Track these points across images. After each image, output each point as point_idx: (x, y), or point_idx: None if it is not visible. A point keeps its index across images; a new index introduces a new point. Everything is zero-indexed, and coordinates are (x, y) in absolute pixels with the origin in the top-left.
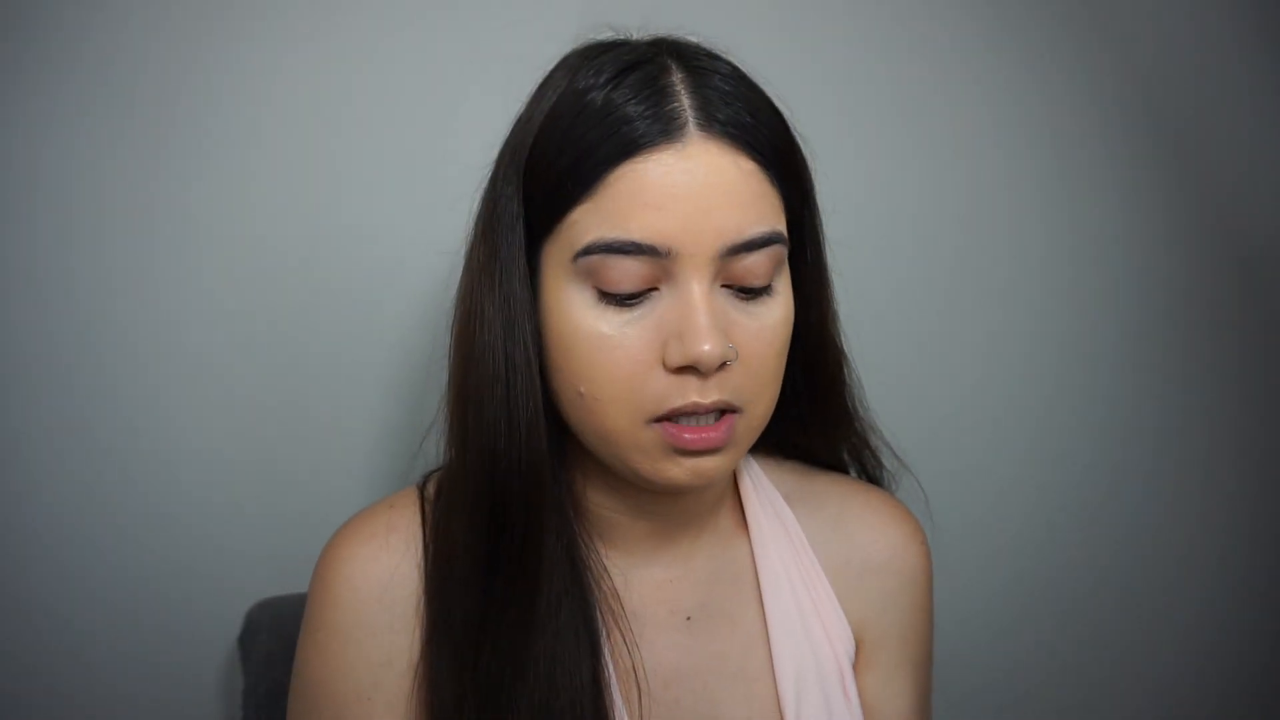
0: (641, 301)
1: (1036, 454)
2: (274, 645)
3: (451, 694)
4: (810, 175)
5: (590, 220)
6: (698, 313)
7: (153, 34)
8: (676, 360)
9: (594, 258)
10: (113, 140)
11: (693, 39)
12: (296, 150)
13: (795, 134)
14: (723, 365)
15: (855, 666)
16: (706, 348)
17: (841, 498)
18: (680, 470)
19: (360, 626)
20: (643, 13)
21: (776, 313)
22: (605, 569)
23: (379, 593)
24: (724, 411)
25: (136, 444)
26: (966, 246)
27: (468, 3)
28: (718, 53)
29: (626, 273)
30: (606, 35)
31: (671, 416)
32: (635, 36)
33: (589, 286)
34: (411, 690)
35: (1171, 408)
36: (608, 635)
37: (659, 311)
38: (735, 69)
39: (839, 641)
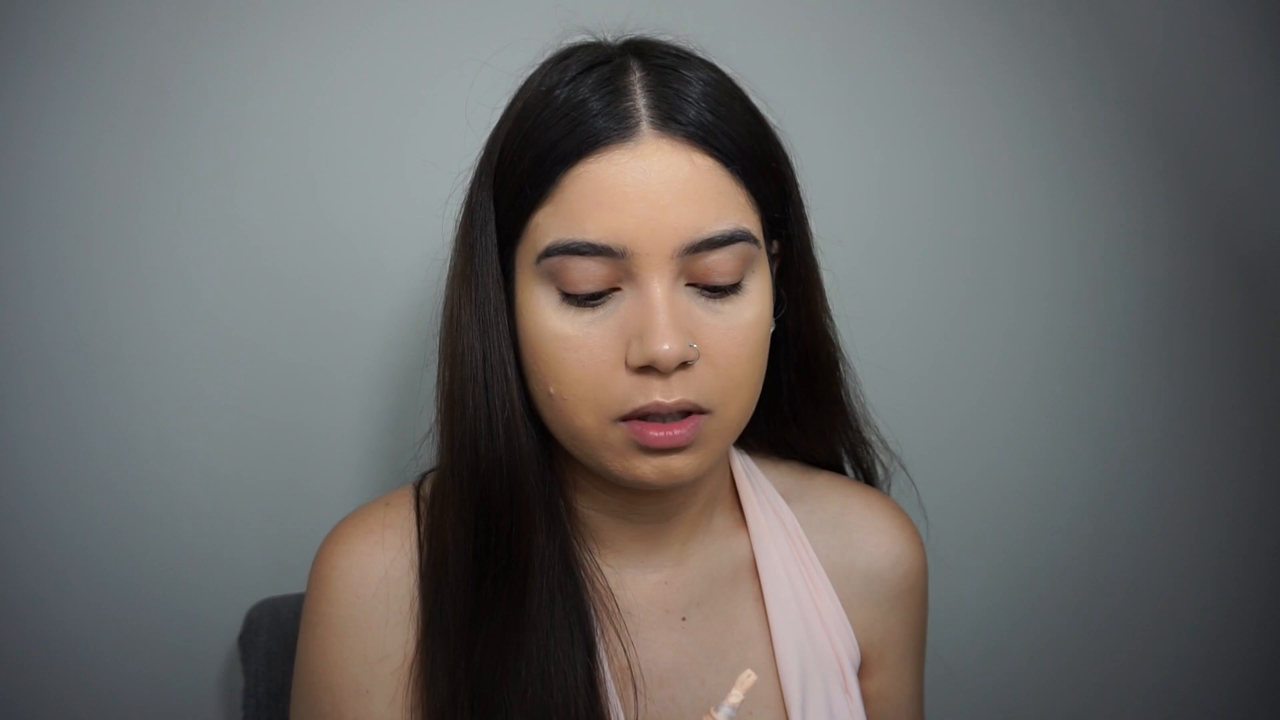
0: (604, 301)
1: (1038, 455)
2: (274, 645)
3: (446, 691)
4: (793, 172)
5: (550, 223)
6: (657, 312)
7: (139, 38)
8: (636, 360)
9: (554, 259)
10: (101, 146)
11: (667, 39)
12: (285, 156)
13: (773, 131)
14: (684, 365)
15: (862, 672)
16: (665, 347)
17: (842, 498)
18: (649, 468)
19: (356, 621)
20: (624, 13)
21: (748, 312)
22: (599, 567)
23: (374, 588)
24: (690, 412)
25: (136, 446)
26: (970, 247)
27: (452, 8)
28: (690, 52)
29: (586, 273)
30: (582, 39)
31: (636, 416)
32: (610, 39)
33: (553, 288)
34: (408, 686)
35: (1175, 409)
36: (602, 633)
37: (621, 311)
38: (705, 67)
39: (840, 640)
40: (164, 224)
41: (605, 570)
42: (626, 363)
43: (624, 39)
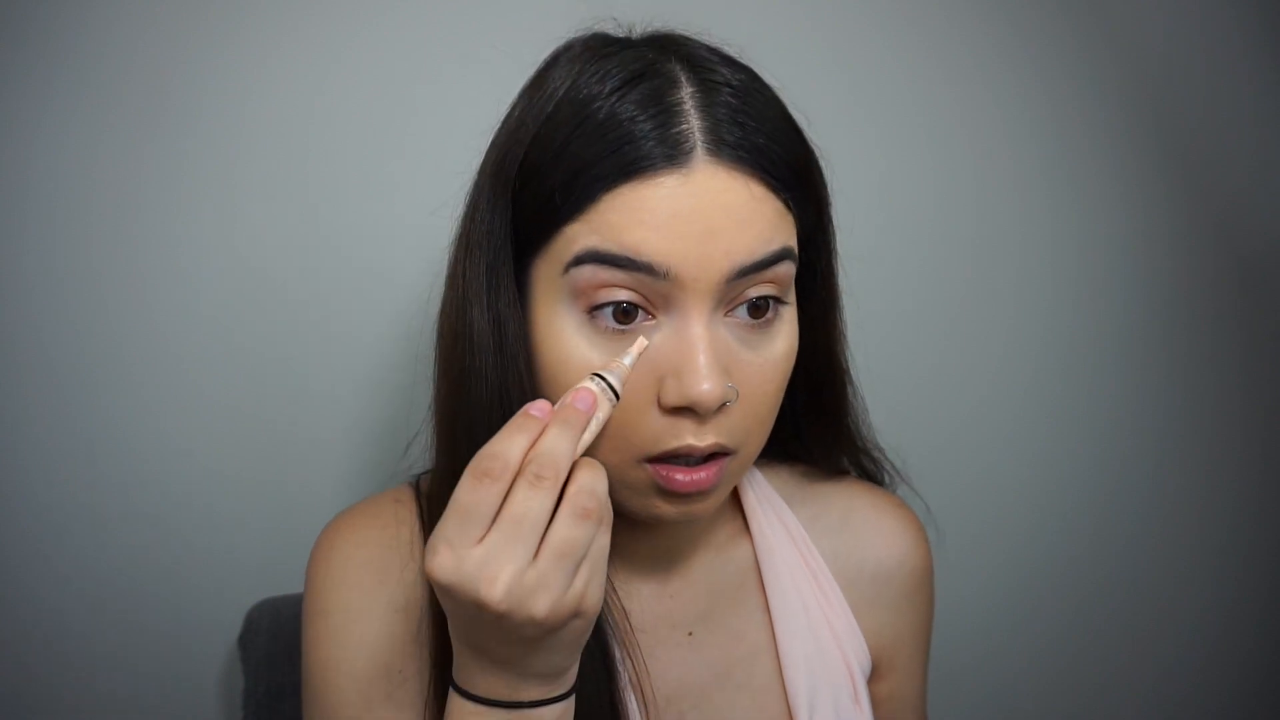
0: (635, 331)
1: (1038, 455)
2: (274, 646)
3: None
4: (826, 190)
5: (584, 231)
6: (697, 350)
7: (139, 39)
8: (673, 400)
9: (585, 269)
10: (101, 146)
11: (702, 37)
12: (284, 157)
13: (812, 147)
14: (722, 406)
15: (873, 676)
16: (706, 387)
17: (847, 500)
18: (671, 510)
19: (378, 603)
20: (645, 7)
21: (780, 345)
22: (613, 586)
23: (397, 572)
24: (716, 454)
25: (136, 447)
26: (969, 247)
27: (452, 8)
28: (730, 55)
29: (617, 290)
30: (608, 27)
31: (663, 458)
32: (639, 31)
33: (576, 307)
34: (427, 685)
35: (1175, 409)
36: (617, 652)
37: (655, 344)
38: (748, 77)
39: (850, 648)
40: (164, 225)
41: (614, 586)
42: (659, 402)
43: (658, 32)
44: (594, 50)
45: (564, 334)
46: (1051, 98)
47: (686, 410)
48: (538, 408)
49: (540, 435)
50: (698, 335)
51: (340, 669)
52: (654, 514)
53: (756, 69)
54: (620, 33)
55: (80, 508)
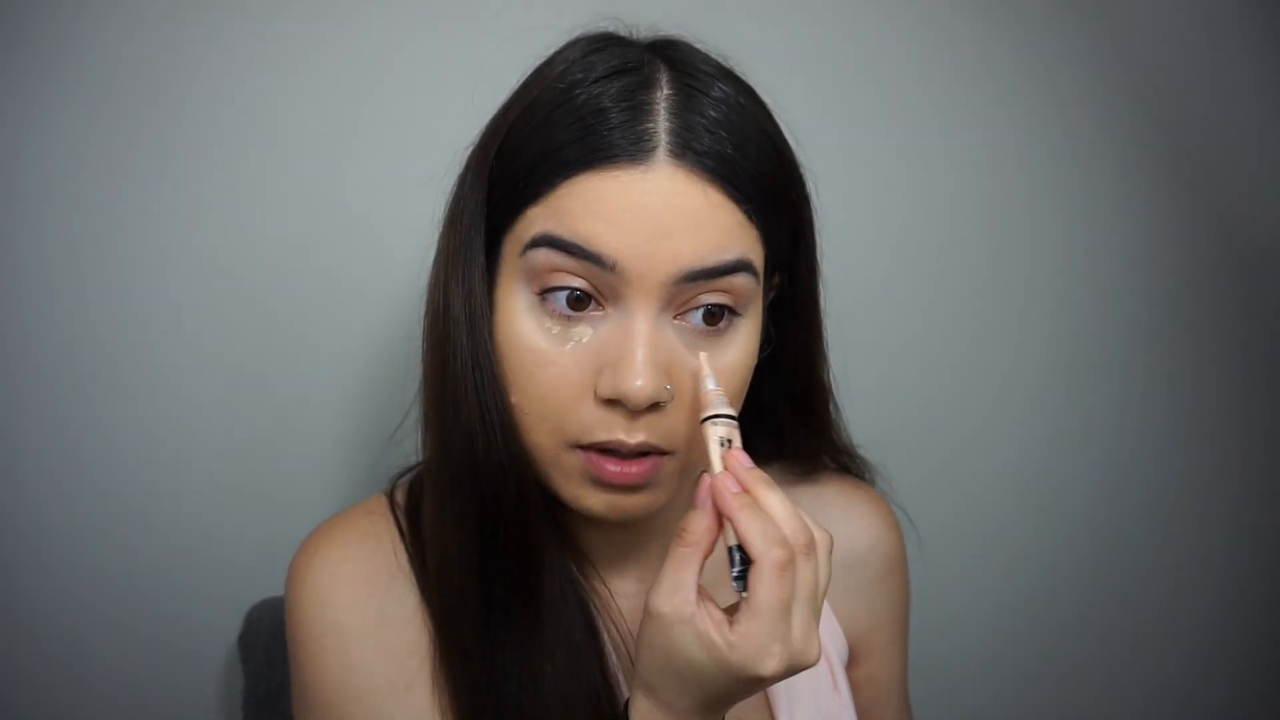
0: (582, 319)
1: (1039, 460)
2: (274, 646)
3: (469, 707)
4: (810, 213)
5: (541, 216)
6: (636, 345)
7: (125, 43)
8: (606, 392)
9: (539, 253)
10: (85, 152)
11: (700, 46)
12: (273, 157)
13: (797, 168)
14: (656, 406)
15: (850, 661)
16: (638, 383)
17: (816, 489)
18: (598, 501)
19: (370, 618)
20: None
21: (732, 356)
22: (605, 581)
23: (384, 584)
24: (650, 452)
25: (134, 445)
26: (972, 250)
27: (456, 7)
28: (723, 65)
29: (568, 276)
30: (611, 26)
31: (594, 447)
32: (642, 34)
33: (530, 289)
34: (435, 688)
35: (1179, 416)
36: (610, 646)
37: (600, 335)
38: (735, 91)
39: (828, 637)
40: (153, 230)
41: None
42: (595, 392)
43: (658, 37)
44: (592, 44)
45: (515, 312)
46: (1056, 100)
47: (619, 404)
48: (734, 476)
49: (764, 506)
50: (639, 331)
51: (342, 691)
52: (583, 505)
53: (758, 85)
54: (626, 34)
55: (79, 509)
